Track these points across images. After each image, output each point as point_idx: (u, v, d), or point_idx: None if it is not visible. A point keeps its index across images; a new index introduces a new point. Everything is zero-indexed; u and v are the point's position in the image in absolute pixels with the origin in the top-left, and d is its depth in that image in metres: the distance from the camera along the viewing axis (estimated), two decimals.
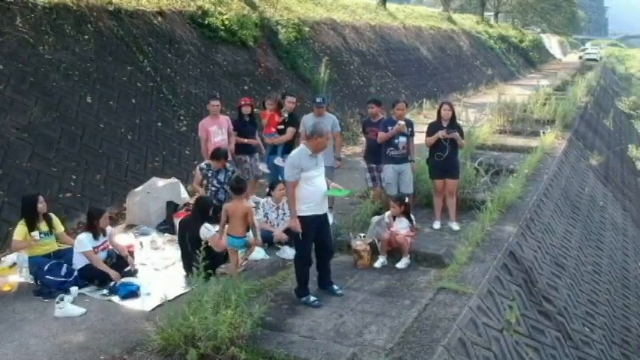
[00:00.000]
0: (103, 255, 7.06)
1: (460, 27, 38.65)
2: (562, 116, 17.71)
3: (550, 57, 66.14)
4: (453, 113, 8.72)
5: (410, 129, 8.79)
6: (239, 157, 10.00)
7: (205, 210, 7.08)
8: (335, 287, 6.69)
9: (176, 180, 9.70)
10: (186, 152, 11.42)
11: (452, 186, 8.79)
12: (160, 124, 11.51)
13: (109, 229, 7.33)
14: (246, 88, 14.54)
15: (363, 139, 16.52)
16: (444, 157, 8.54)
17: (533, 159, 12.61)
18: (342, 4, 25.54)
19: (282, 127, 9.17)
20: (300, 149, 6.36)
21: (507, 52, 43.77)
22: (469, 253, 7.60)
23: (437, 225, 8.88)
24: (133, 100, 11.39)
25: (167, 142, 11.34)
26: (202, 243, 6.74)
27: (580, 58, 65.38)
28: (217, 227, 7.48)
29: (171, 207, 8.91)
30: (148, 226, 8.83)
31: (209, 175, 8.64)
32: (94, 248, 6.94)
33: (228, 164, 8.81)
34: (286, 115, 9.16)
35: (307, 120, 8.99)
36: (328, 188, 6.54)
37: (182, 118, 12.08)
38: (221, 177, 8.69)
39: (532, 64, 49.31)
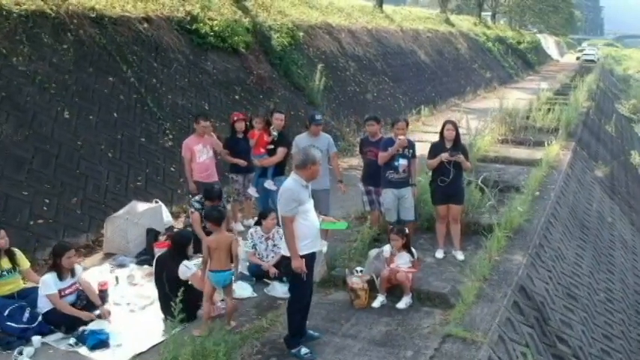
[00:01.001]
0: (71, 299, 6.33)
1: (458, 29, 37.98)
2: (565, 125, 17.09)
3: (547, 58, 65.62)
4: (457, 133, 8.04)
5: (411, 150, 8.13)
6: (230, 176, 9.34)
7: (184, 246, 6.37)
8: (311, 332, 6.02)
9: (158, 203, 9.01)
10: (172, 169, 10.72)
11: (456, 212, 8.12)
12: (143, 139, 10.80)
13: (77, 268, 6.61)
14: (237, 97, 13.84)
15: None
16: (448, 182, 7.87)
17: (539, 174, 11.97)
18: (338, 6, 24.81)
19: (271, 147, 8.46)
20: (295, 180, 5.68)
21: (505, 53, 43.15)
22: (476, 289, 6.93)
23: (440, 254, 8.21)
24: (115, 114, 10.67)
25: (151, 159, 10.63)
26: (182, 283, 6.15)
27: (577, 59, 64.89)
28: (198, 260, 6.84)
29: (152, 235, 8.21)
30: (127, 256, 8.14)
31: (202, 213, 8.01)
32: (60, 291, 6.22)
33: (224, 197, 8.20)
34: (275, 134, 8.44)
35: (300, 141, 8.29)
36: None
37: (167, 132, 11.37)
38: None
39: (530, 65, 48.71)
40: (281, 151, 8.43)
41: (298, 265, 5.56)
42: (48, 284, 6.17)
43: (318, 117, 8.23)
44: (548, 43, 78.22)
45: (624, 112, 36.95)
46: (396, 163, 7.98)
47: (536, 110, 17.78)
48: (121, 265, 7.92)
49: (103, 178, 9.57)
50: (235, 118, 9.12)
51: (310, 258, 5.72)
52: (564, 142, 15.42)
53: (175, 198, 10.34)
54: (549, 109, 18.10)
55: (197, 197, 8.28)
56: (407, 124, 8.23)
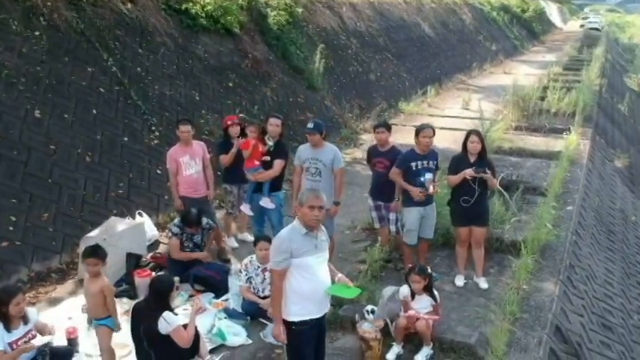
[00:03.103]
0: (26, 358, 5.31)
1: None
2: (581, 110, 16.03)
3: (551, 26, 63.82)
4: (483, 145, 6.95)
5: (435, 162, 7.09)
6: (224, 187, 8.30)
7: (164, 295, 5.35)
8: None
9: (142, 217, 7.98)
10: (158, 172, 9.65)
11: (480, 235, 7.12)
12: (126, 138, 9.70)
13: (31, 312, 5.55)
14: (230, 84, 12.69)
15: (365, 138, 14.91)
16: (472, 202, 6.84)
17: (561, 174, 10.95)
18: None
19: (267, 158, 7.36)
20: (293, 227, 4.64)
21: (510, 23, 41.61)
22: (507, 334, 5.96)
23: (460, 282, 7.25)
24: (94, 111, 9.56)
25: (135, 161, 9.56)
26: (163, 338, 5.18)
27: (581, 26, 63.13)
28: (185, 309, 5.86)
29: (132, 261, 7.20)
30: None
31: (183, 238, 7.03)
32: (10, 344, 5.20)
33: (203, 218, 7.16)
34: (271, 144, 7.32)
35: (302, 153, 7.23)
36: (333, 281, 4.81)
37: (154, 128, 10.27)
38: (197, 238, 7.09)
39: (535, 35, 47.18)
40: (278, 163, 7.32)
41: (277, 332, 4.61)
42: None
43: (310, 125, 7.11)
44: (551, 10, 76.22)
45: (633, 87, 35.68)
46: (422, 179, 6.95)
47: (551, 94, 16.61)
48: None
49: (79, 187, 8.51)
50: (229, 123, 8.03)
51: (311, 328, 4.66)
52: (581, 129, 14.35)
53: (162, 205, 9.32)
54: (563, 89, 17.01)
55: (176, 221, 7.28)
56: (434, 132, 7.11)
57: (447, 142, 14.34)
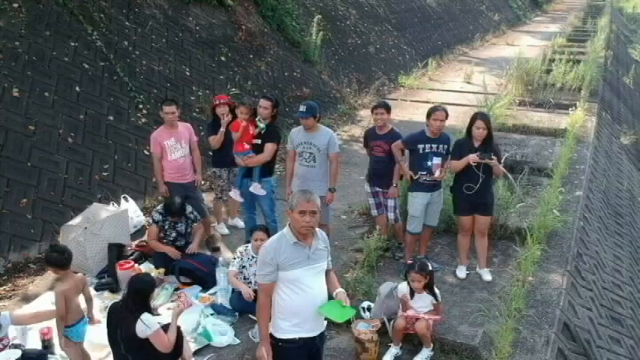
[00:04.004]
0: None
1: None
2: (587, 84, 15.52)
3: None
4: (490, 131, 6.47)
5: (446, 146, 6.65)
6: (213, 171, 7.85)
7: (143, 295, 4.92)
8: None
9: (124, 207, 7.54)
10: (145, 153, 9.17)
11: (484, 224, 6.69)
12: (111, 117, 9.22)
13: (3, 317, 5.16)
14: (223, 59, 12.15)
15: (363, 114, 14.40)
16: (476, 190, 6.40)
17: (566, 154, 10.49)
18: None
19: (258, 141, 6.88)
20: (280, 236, 4.16)
21: None
22: (512, 333, 5.57)
23: (462, 273, 6.84)
24: (77, 88, 9.06)
25: (120, 142, 9.09)
26: (142, 342, 4.79)
27: None
28: (168, 308, 5.47)
29: (115, 252, 6.77)
30: (86, 275, 6.72)
31: (165, 226, 6.60)
32: None
33: (188, 206, 6.73)
34: (263, 126, 6.82)
35: (295, 136, 6.77)
36: (331, 296, 4.26)
37: (141, 106, 9.77)
38: (181, 227, 6.66)
39: (538, 5, 46.15)
40: (269, 147, 6.82)
41: (260, 355, 4.10)
42: None
43: (302, 109, 6.57)
44: None
45: (638, 58, 34.97)
46: (429, 163, 6.52)
47: (556, 68, 16.04)
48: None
49: (60, 170, 8.06)
50: (217, 102, 7.52)
51: (301, 347, 4.17)
52: (587, 105, 13.84)
53: (149, 188, 8.88)
54: (569, 62, 16.44)
55: (159, 207, 6.84)
56: (446, 115, 6.64)
57: (449, 119, 13.80)
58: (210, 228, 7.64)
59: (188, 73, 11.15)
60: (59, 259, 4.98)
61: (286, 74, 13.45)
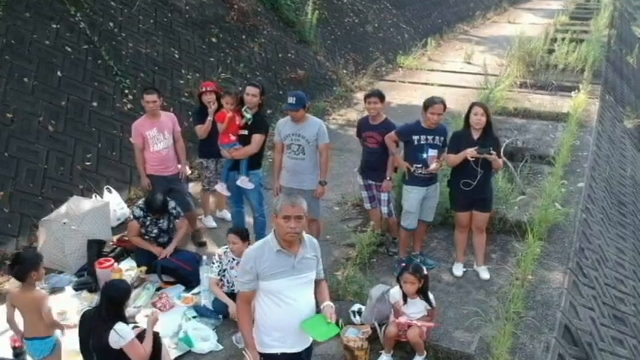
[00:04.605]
0: None
1: None
2: (591, 65, 15.09)
3: None
4: (488, 119, 6.10)
5: (442, 138, 6.29)
6: (200, 162, 7.51)
7: (117, 302, 4.61)
8: None
9: (106, 200, 7.21)
10: (131, 140, 8.75)
11: (482, 220, 6.37)
12: (95, 103, 8.84)
13: None
14: (214, 40, 11.71)
15: (359, 97, 13.98)
16: (474, 186, 6.06)
17: (568, 140, 10.14)
18: None
19: (245, 132, 6.52)
20: (263, 243, 3.83)
21: None
22: (510, 338, 5.27)
23: (458, 271, 6.54)
24: (59, 73, 8.67)
25: (105, 129, 8.72)
26: (116, 353, 4.51)
27: None
28: (146, 315, 5.18)
29: (94, 249, 6.46)
30: (65, 274, 6.45)
31: (147, 222, 6.26)
32: None
33: (170, 202, 6.39)
34: (249, 116, 6.45)
35: (282, 128, 6.40)
36: (319, 309, 3.93)
37: (127, 91, 9.38)
38: (163, 224, 6.33)
39: None
40: (257, 138, 6.46)
41: None
42: None
43: (291, 100, 6.15)
44: None
45: None
46: (425, 155, 6.18)
47: (558, 48, 15.60)
48: (56, 290, 6.23)
49: (40, 160, 7.71)
50: (204, 89, 7.15)
51: None
52: (590, 87, 13.44)
53: (135, 178, 8.50)
54: (572, 42, 15.98)
55: (141, 202, 6.50)
56: (444, 107, 6.26)
57: (448, 101, 13.26)
58: (196, 221, 7.32)
59: (177, 56, 10.74)
60: (16, 271, 4.70)
61: (280, 55, 13.01)
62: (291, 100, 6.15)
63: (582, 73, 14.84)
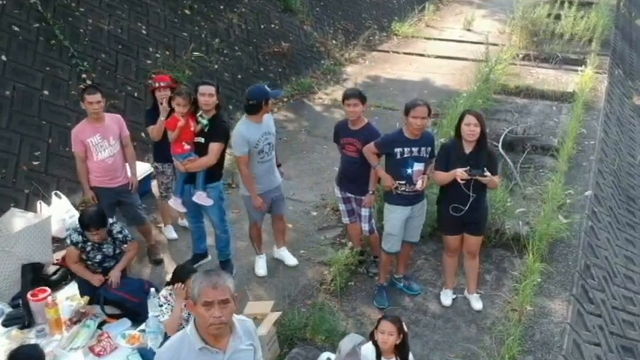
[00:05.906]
0: None
1: None
2: (599, 35, 14.08)
3: None
4: (483, 130, 5.19)
5: (429, 148, 5.39)
6: (155, 166, 6.63)
7: None
8: None
9: (46, 215, 6.32)
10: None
11: (474, 245, 5.54)
12: (46, 91, 7.89)
13: None
14: (187, 12, 10.64)
15: (350, 71, 12.98)
16: (465, 211, 5.20)
17: (574, 128, 9.25)
18: None
19: (201, 140, 5.62)
20: (180, 338, 2.98)
21: None
22: None
23: (447, 300, 5.76)
24: (3, 57, 7.69)
25: (57, 122, 7.79)
26: None
27: None
28: None
29: (28, 276, 5.61)
30: None
31: (87, 248, 5.39)
32: None
33: (115, 225, 5.52)
34: (205, 122, 5.55)
35: (251, 134, 5.52)
36: None
37: (84, 76, 8.38)
38: (108, 249, 5.45)
39: None
40: (215, 147, 5.56)
41: None
42: None
43: (251, 102, 5.48)
44: None
45: None
46: (409, 171, 5.31)
47: (565, 17, 14.51)
48: None
49: None
50: (157, 84, 6.21)
51: None
52: (598, 60, 12.44)
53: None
54: (580, 10, 14.89)
55: (78, 225, 5.55)
56: (429, 112, 5.33)
57: (445, 77, 12.48)
58: (152, 236, 6.47)
59: (144, 32, 9.71)
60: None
61: (262, 27, 11.95)
62: (251, 101, 5.45)
63: (590, 44, 13.84)
